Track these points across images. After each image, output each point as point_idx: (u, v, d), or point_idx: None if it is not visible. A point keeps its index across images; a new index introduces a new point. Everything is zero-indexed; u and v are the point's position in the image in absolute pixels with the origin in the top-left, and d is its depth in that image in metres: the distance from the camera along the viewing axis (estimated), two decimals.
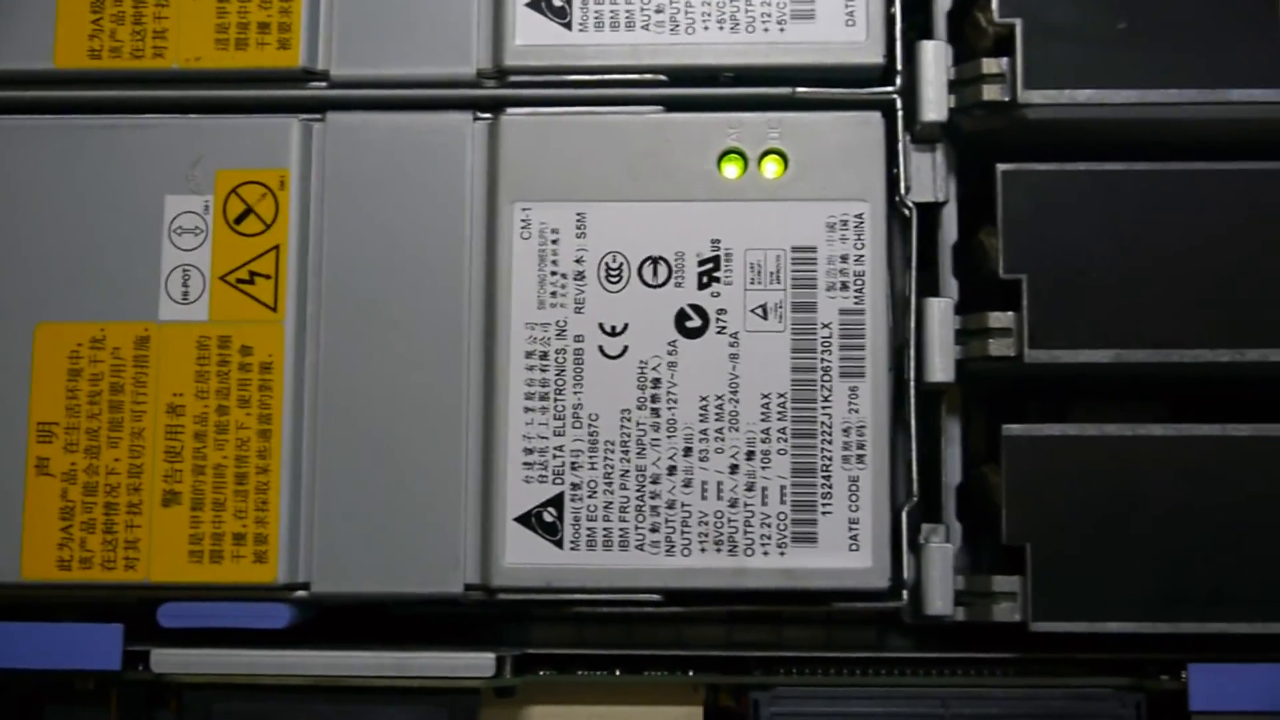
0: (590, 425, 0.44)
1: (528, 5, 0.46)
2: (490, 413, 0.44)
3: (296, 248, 0.45)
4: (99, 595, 0.44)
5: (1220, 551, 0.43)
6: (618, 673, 0.45)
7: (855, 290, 0.44)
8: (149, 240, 0.45)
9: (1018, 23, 0.44)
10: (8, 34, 0.46)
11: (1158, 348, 0.43)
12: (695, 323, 0.44)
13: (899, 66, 0.45)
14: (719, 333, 0.44)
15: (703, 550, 0.43)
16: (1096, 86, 0.44)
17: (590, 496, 0.44)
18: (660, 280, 0.44)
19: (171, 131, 0.45)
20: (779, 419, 0.44)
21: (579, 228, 0.45)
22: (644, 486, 0.44)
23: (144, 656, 0.43)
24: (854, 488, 0.43)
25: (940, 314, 0.45)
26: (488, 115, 0.45)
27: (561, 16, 0.45)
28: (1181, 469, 0.43)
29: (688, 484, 0.44)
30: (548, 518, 0.44)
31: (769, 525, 0.43)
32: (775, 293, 0.44)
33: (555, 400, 0.44)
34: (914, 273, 0.45)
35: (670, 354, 0.44)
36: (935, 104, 0.45)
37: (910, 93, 0.45)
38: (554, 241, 0.45)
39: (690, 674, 0.45)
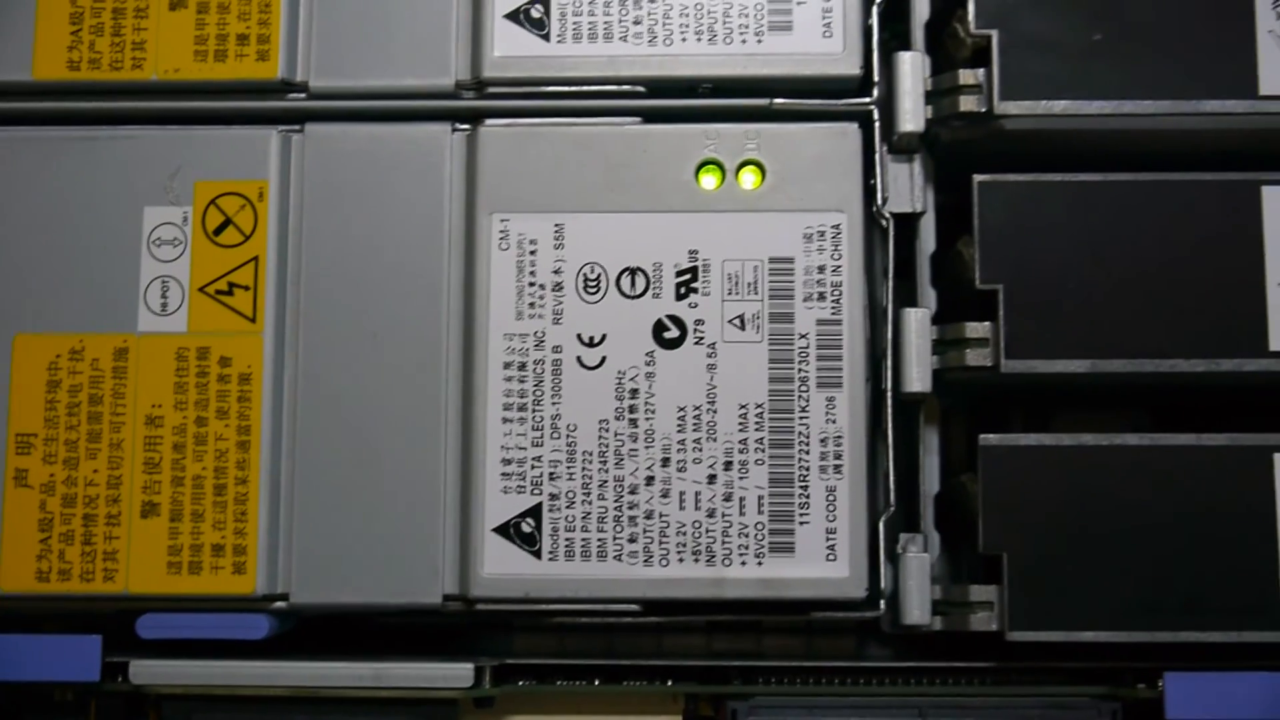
0: (569, 436, 0.44)
1: (506, 17, 0.46)
2: (469, 423, 0.44)
3: (275, 259, 0.45)
4: (78, 607, 0.44)
5: (1196, 560, 0.43)
6: (597, 682, 0.45)
7: (833, 301, 0.44)
8: (128, 251, 0.45)
9: (994, 34, 0.44)
10: None
11: (1134, 358, 0.44)
12: (673, 333, 0.44)
13: (876, 78, 0.45)
14: (697, 343, 0.44)
15: (680, 560, 0.43)
16: (1073, 97, 0.44)
17: (569, 507, 0.44)
18: (638, 291, 0.45)
19: (150, 143, 0.45)
20: (756, 429, 0.44)
21: (557, 238, 0.45)
22: (622, 497, 0.44)
23: (123, 668, 0.43)
24: (832, 498, 0.43)
25: (918, 324, 0.45)
26: (466, 126, 0.46)
27: (540, 28, 0.46)
28: (1157, 478, 0.43)
29: (665, 494, 0.44)
30: (526, 528, 0.44)
31: (747, 535, 0.43)
32: (753, 303, 0.44)
33: (534, 411, 0.44)
34: (891, 283, 0.45)
35: (648, 365, 0.44)
36: (913, 115, 0.45)
37: (888, 104, 0.46)
38: (532, 252, 0.45)
39: (669, 683, 0.45)
